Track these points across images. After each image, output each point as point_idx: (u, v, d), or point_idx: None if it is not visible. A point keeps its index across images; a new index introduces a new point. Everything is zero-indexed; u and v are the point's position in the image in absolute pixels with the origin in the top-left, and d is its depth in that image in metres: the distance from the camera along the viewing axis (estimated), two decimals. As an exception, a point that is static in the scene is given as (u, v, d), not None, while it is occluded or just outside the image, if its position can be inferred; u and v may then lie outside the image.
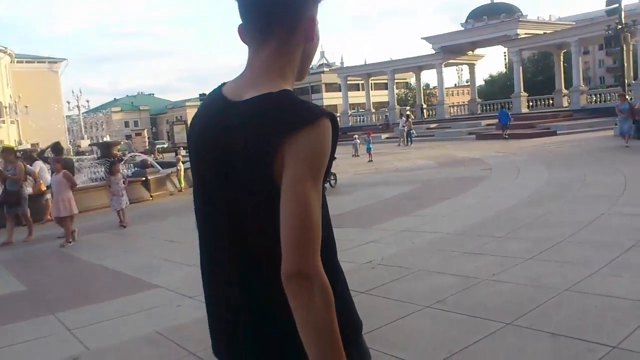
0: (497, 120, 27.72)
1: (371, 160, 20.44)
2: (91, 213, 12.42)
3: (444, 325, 4.02)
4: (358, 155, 23.46)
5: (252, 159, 1.22)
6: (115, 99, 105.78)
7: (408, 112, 36.13)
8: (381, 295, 4.84)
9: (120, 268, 7.08)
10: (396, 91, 52.36)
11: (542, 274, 4.94)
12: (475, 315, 4.11)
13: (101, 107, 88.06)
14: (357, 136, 25.61)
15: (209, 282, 1.42)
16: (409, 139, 28.69)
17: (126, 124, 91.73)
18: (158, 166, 19.39)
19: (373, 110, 45.91)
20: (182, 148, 46.00)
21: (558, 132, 25.01)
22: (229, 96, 1.33)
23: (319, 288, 1.14)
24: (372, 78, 47.50)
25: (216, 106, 1.35)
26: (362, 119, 45.41)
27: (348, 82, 47.21)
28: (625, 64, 26.44)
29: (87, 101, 47.75)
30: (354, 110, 50.25)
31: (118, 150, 21.87)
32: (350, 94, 47.87)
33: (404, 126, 29.51)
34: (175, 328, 4.58)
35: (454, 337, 3.77)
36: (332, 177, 17.84)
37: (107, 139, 21.16)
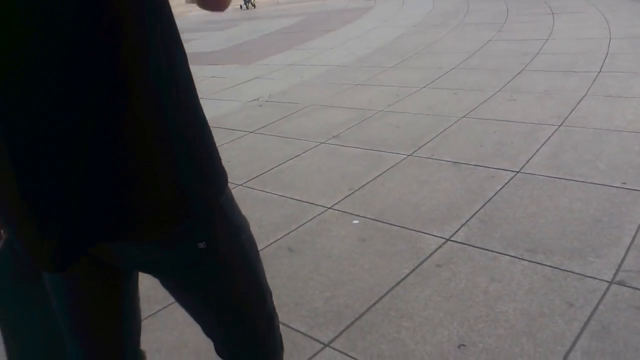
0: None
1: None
2: None
3: (342, 162, 3.72)
4: None
5: None
6: None
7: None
8: (271, 134, 4.42)
9: None
10: None
11: (438, 102, 4.73)
12: (374, 149, 3.84)
13: None
14: None
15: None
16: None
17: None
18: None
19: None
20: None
21: (438, -38, 24.47)
22: None
23: None
24: None
25: None
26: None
27: None
28: None
29: None
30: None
31: None
32: None
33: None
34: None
35: (354, 173, 3.49)
36: None
37: None
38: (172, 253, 0.94)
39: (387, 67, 6.20)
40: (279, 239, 2.81)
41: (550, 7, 9.09)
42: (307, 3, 14.62)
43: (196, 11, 15.93)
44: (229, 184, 1.02)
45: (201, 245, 0.94)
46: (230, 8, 16.93)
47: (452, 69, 5.80)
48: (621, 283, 2.14)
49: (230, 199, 1.03)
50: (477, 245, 2.53)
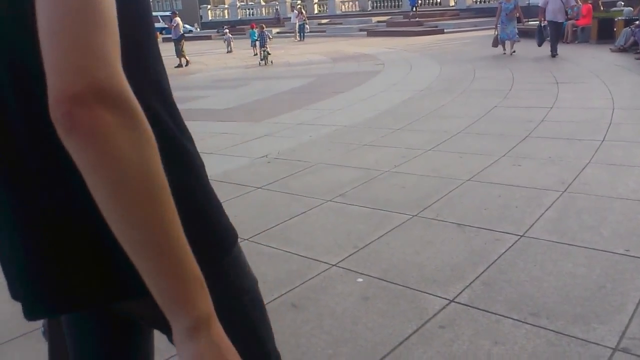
0: (387, 17, 27.59)
1: (256, 54, 19.38)
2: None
3: (347, 220, 3.76)
4: (231, 51, 22.35)
5: None
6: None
7: (300, 6, 34.77)
8: (279, 191, 4.48)
9: None
10: (286, -16, 50.12)
11: (443, 164, 4.81)
12: (380, 208, 3.89)
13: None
14: (227, 30, 24.21)
15: None
16: (302, 33, 27.74)
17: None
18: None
19: (263, 3, 43.81)
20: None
21: (445, 30, 25.28)
22: None
23: (123, 115, 0.61)
24: (261, -32, 44.85)
25: None
26: (251, 12, 43.27)
27: (236, -28, 44.27)
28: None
29: None
30: (242, 3, 47.63)
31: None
32: (238, -16, 45.08)
33: (296, 20, 28.40)
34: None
35: (359, 232, 3.53)
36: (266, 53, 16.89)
37: None
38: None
39: (394, 129, 6.33)
40: (282, 295, 2.82)
41: (555, 77, 9.33)
42: (317, 65, 15.06)
43: (208, 71, 16.42)
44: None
45: None
46: (248, 63, 17.34)
47: (458, 133, 5.92)
48: (625, 350, 2.13)
49: (236, 260, 0.97)
50: (480, 308, 2.53)
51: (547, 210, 3.59)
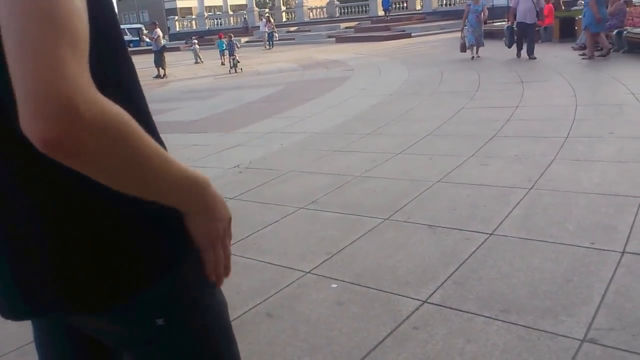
0: (355, 23, 27.88)
1: (224, 64, 19.34)
2: None
3: (320, 226, 3.78)
4: (201, 62, 22.33)
5: None
6: None
7: (268, 15, 34.82)
8: (251, 200, 4.48)
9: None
10: (253, -7, 50.20)
11: (413, 167, 4.87)
12: (352, 213, 3.92)
13: None
14: (196, 41, 24.17)
15: None
16: (271, 42, 27.77)
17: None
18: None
19: (231, 13, 43.80)
20: None
21: (413, 34, 25.58)
22: None
23: (96, 124, 0.63)
24: (227, -22, 44.84)
25: None
26: (219, 22, 43.17)
27: (202, -18, 44.16)
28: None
29: None
30: (210, 13, 47.51)
31: None
32: (205, -5, 44.99)
33: (265, 28, 28.44)
34: None
35: (331, 238, 3.55)
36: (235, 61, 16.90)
37: None
38: (129, 327, 0.90)
39: (364, 134, 6.39)
40: (257, 305, 2.82)
41: (520, 77, 9.53)
42: (286, 73, 15.10)
43: (177, 82, 16.32)
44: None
45: (159, 322, 0.89)
46: (217, 72, 17.31)
47: (427, 135, 6.00)
48: (592, 341, 2.18)
49: (191, 276, 0.93)
50: (452, 307, 2.57)
51: (514, 207, 3.67)
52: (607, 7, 11.52)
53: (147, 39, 23.42)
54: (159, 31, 18.56)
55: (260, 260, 3.32)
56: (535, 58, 11.82)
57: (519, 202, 3.75)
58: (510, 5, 12.65)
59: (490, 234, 3.29)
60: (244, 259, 3.36)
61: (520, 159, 4.76)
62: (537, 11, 12.01)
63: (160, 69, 18.04)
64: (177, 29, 43.93)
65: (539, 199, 3.79)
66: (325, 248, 3.39)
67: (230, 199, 4.53)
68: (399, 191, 4.29)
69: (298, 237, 3.65)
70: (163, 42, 19.01)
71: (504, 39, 13.58)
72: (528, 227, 3.35)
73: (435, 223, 3.57)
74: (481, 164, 4.74)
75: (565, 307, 2.45)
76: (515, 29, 12.46)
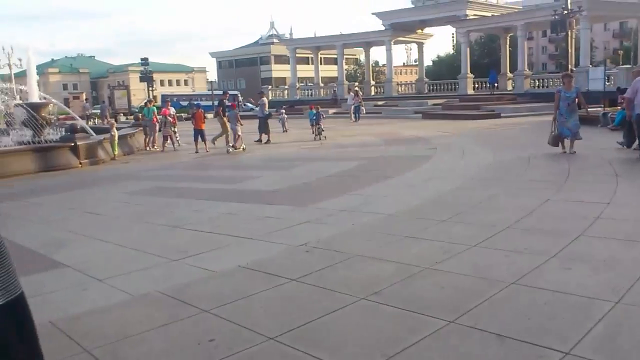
0: (444, 100, 27.94)
1: (313, 133, 19.68)
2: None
3: (379, 322, 3.56)
4: (286, 131, 22.93)
5: None
6: (53, 59, 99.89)
7: (356, 88, 35.74)
8: (312, 284, 4.34)
9: (25, 242, 6.28)
10: (345, 67, 52.12)
11: (487, 264, 4.56)
12: (415, 311, 3.67)
13: (37, 67, 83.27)
14: (284, 110, 24.96)
15: None
16: (357, 114, 28.32)
17: (64, 87, 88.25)
18: (91, 131, 18.15)
19: (321, 85, 45.47)
20: (122, 114, 44.15)
21: (502, 114, 25.23)
22: None
23: None
24: (321, 52, 46.97)
25: None
26: (310, 93, 44.90)
27: (297, 55, 46.44)
28: (569, 49, 26.83)
29: (20, 60, 44.46)
30: (302, 84, 49.51)
31: (50, 114, 20.03)
32: (299, 67, 47.21)
33: (352, 102, 29.14)
34: (73, 318, 3.94)
35: (390, 337, 3.32)
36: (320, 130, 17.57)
37: (35, 99, 18.71)
38: None
39: (439, 221, 6.15)
40: (300, 408, 2.63)
41: (615, 170, 8.97)
42: (369, 147, 15.17)
43: (260, 149, 16.82)
44: None
45: None
46: (301, 144, 17.82)
47: (506, 227, 5.67)
48: None
49: None
50: None
51: (597, 323, 3.28)
52: None
53: (251, 105, 25.39)
54: (265, 100, 19.96)
55: (309, 354, 3.13)
56: None
57: (602, 317, 3.36)
58: (627, 96, 10.84)
59: (566, 354, 2.93)
60: (293, 349, 3.19)
61: (608, 264, 4.33)
62: None
63: (264, 134, 19.02)
64: (270, 98, 45.99)
65: (627, 316, 3.38)
66: (381, 349, 3.16)
67: (292, 280, 4.42)
68: (468, 290, 4.00)
69: (354, 333, 3.44)
70: (267, 110, 20.10)
71: (599, 125, 12.92)
72: (611, 349, 2.97)
73: (505, 333, 3.24)
74: (564, 267, 4.36)
75: None
76: (634, 120, 10.58)
